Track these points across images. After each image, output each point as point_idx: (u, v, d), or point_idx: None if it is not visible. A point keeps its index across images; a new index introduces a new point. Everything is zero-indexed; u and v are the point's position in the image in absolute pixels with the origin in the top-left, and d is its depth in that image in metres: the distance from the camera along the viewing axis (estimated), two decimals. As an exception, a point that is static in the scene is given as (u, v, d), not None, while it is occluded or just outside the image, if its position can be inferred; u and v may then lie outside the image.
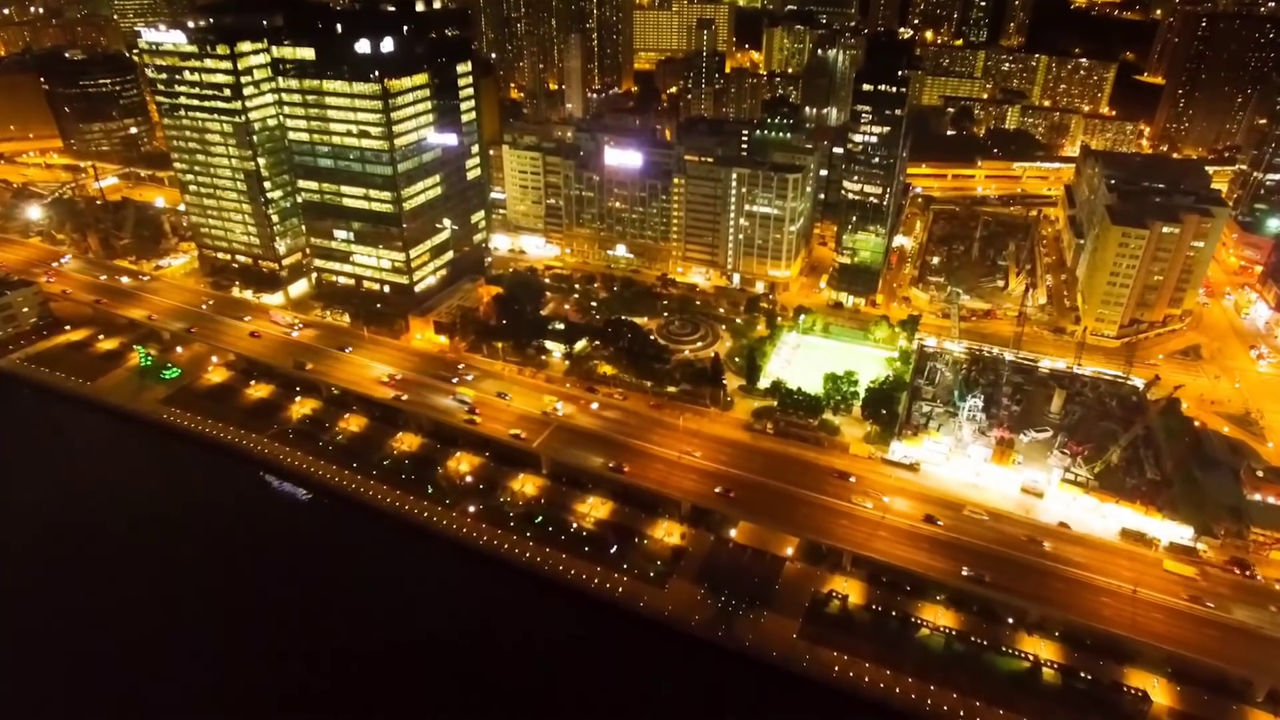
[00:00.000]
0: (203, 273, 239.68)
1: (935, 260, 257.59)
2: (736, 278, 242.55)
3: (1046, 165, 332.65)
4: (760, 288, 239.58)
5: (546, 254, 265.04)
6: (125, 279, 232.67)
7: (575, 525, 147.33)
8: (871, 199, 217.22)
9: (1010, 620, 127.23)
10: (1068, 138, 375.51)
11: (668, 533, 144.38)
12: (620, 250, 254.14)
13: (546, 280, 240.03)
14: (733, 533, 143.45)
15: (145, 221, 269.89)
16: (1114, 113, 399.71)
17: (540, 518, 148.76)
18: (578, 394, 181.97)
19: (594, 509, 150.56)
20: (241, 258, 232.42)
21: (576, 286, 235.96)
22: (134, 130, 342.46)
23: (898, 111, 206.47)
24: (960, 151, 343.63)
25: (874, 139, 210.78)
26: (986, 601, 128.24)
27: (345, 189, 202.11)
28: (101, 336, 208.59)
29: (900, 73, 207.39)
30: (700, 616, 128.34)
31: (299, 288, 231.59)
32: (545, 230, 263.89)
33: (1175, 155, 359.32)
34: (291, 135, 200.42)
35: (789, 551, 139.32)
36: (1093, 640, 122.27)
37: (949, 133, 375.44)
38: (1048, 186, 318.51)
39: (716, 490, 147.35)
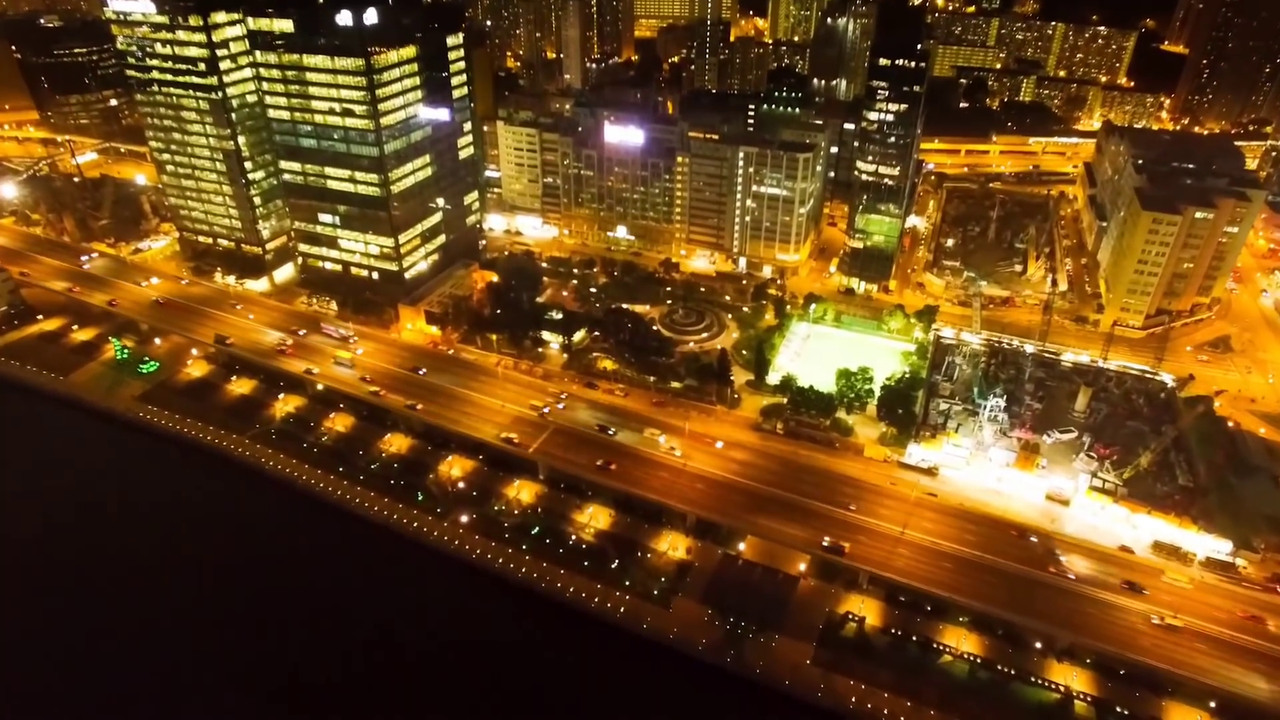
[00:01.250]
0: (184, 257, 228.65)
1: (950, 243, 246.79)
2: (743, 262, 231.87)
3: (1064, 140, 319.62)
4: (767, 272, 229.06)
5: (544, 235, 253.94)
6: (86, 260, 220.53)
7: (574, 537, 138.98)
8: (887, 180, 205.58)
9: (1038, 646, 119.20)
10: (1084, 110, 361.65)
11: (672, 546, 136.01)
12: (621, 232, 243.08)
13: (544, 264, 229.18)
14: (741, 546, 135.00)
15: (124, 200, 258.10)
16: (1132, 84, 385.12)
17: (537, 528, 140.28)
18: (574, 390, 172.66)
19: (594, 519, 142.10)
20: (224, 242, 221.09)
21: (575, 272, 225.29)
22: (114, 102, 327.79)
23: (916, 88, 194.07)
24: (974, 125, 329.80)
25: (890, 117, 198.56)
26: (1012, 625, 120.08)
27: (329, 171, 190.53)
28: (76, 327, 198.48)
29: (919, 46, 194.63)
30: (708, 640, 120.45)
31: (285, 273, 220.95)
32: (542, 210, 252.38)
33: (1198, 129, 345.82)
34: (271, 113, 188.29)
35: (801, 568, 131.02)
36: (1128, 670, 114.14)
37: (962, 105, 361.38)
38: (1068, 164, 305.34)
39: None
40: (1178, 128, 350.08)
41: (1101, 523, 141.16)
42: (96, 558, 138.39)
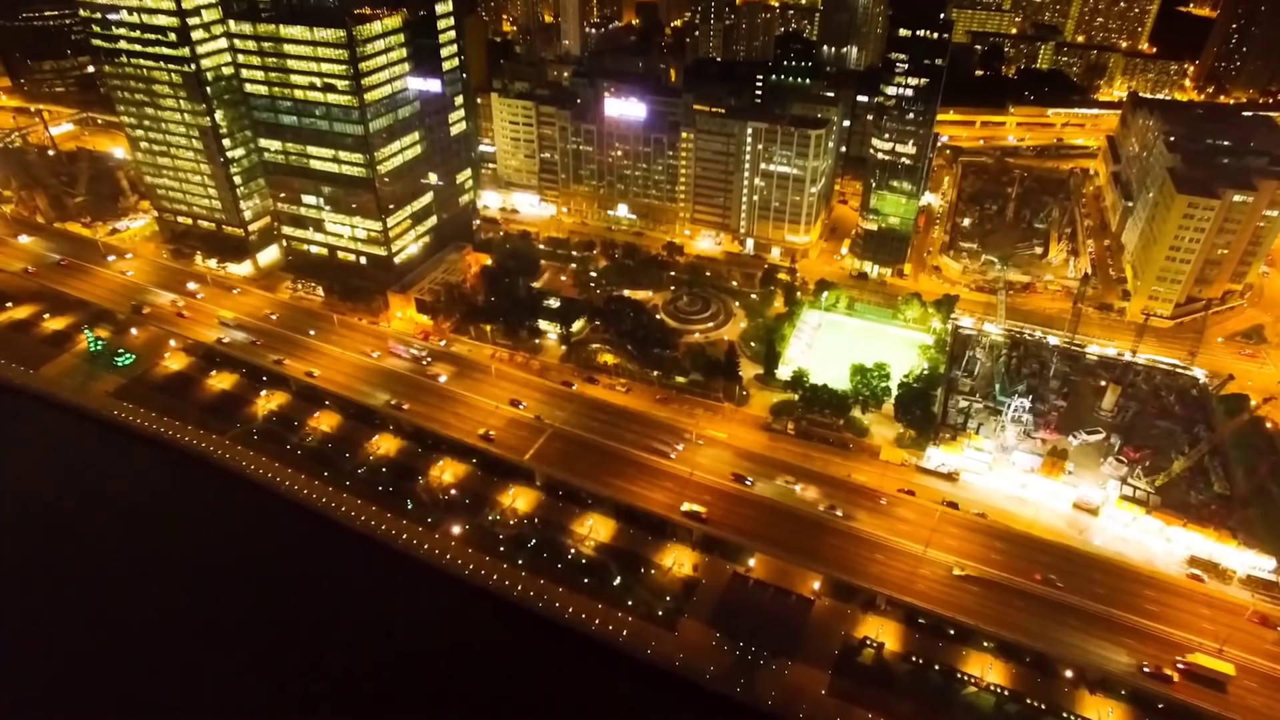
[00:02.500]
0: (162, 238, 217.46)
1: (966, 223, 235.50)
2: (750, 243, 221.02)
3: (1084, 112, 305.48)
4: (776, 254, 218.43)
5: (541, 213, 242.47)
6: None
7: (573, 550, 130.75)
8: (904, 159, 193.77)
9: (1069, 675, 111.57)
10: (1104, 79, 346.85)
11: (678, 562, 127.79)
12: (622, 210, 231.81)
13: (541, 246, 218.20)
14: (751, 562, 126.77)
15: (101, 176, 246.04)
16: (1155, 50, 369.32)
17: (534, 541, 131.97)
18: (568, 386, 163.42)
19: (594, 530, 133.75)
20: (204, 223, 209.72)
21: (574, 254, 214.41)
22: (91, 69, 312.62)
23: (938, 61, 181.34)
24: (990, 95, 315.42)
25: (909, 92, 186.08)
26: (1040, 653, 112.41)
27: (311, 150, 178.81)
28: (48, 315, 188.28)
29: (941, 16, 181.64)
30: (716, 667, 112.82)
31: (269, 255, 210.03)
32: (539, 187, 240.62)
33: (1224, 99, 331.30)
34: (249, 88, 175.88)
35: (815, 586, 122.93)
36: (1166, 705, 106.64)
37: (977, 73, 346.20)
38: (1089, 137, 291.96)
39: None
40: (1202, 97, 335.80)
41: (1132, 535, 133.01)
42: (67, 565, 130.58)
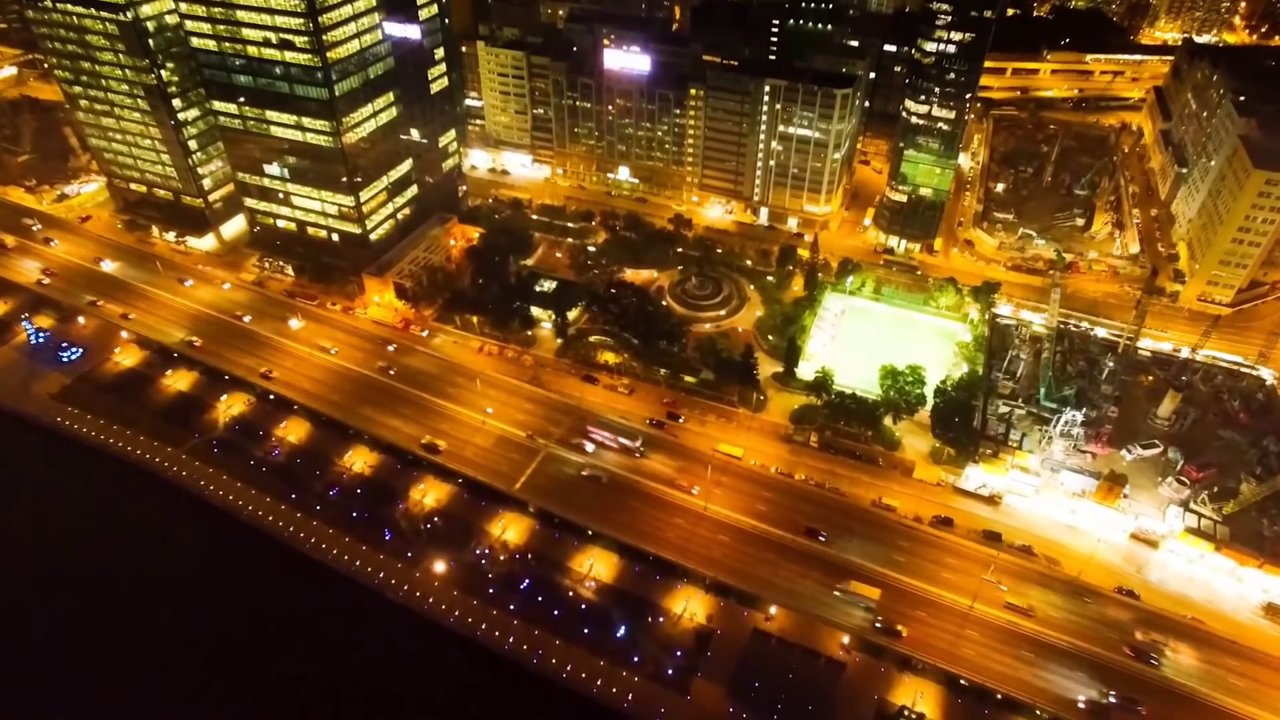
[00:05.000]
0: (115, 208, 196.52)
1: (1000, 188, 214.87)
2: (764, 213, 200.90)
3: (1127, 57, 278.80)
4: (792, 225, 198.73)
5: (534, 175, 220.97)
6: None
7: (572, 592, 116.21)
8: (941, 124, 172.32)
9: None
10: (1148, 19, 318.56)
11: (689, 611, 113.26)
12: (623, 174, 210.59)
13: (533, 216, 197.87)
14: (773, 610, 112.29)
15: (48, 130, 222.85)
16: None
17: (527, 582, 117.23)
18: (571, 386, 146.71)
19: (594, 568, 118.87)
20: (160, 191, 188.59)
21: (570, 226, 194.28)
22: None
23: (986, 13, 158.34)
24: (1022, 39, 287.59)
25: (950, 48, 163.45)
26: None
27: (271, 115, 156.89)
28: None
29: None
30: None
31: (234, 227, 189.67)
32: (532, 146, 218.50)
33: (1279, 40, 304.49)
34: (195, 42, 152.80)
35: (845, 640, 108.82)
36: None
37: (1008, 13, 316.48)
38: (1132, 88, 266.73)
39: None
40: (1254, 38, 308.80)
41: (1198, 573, 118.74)
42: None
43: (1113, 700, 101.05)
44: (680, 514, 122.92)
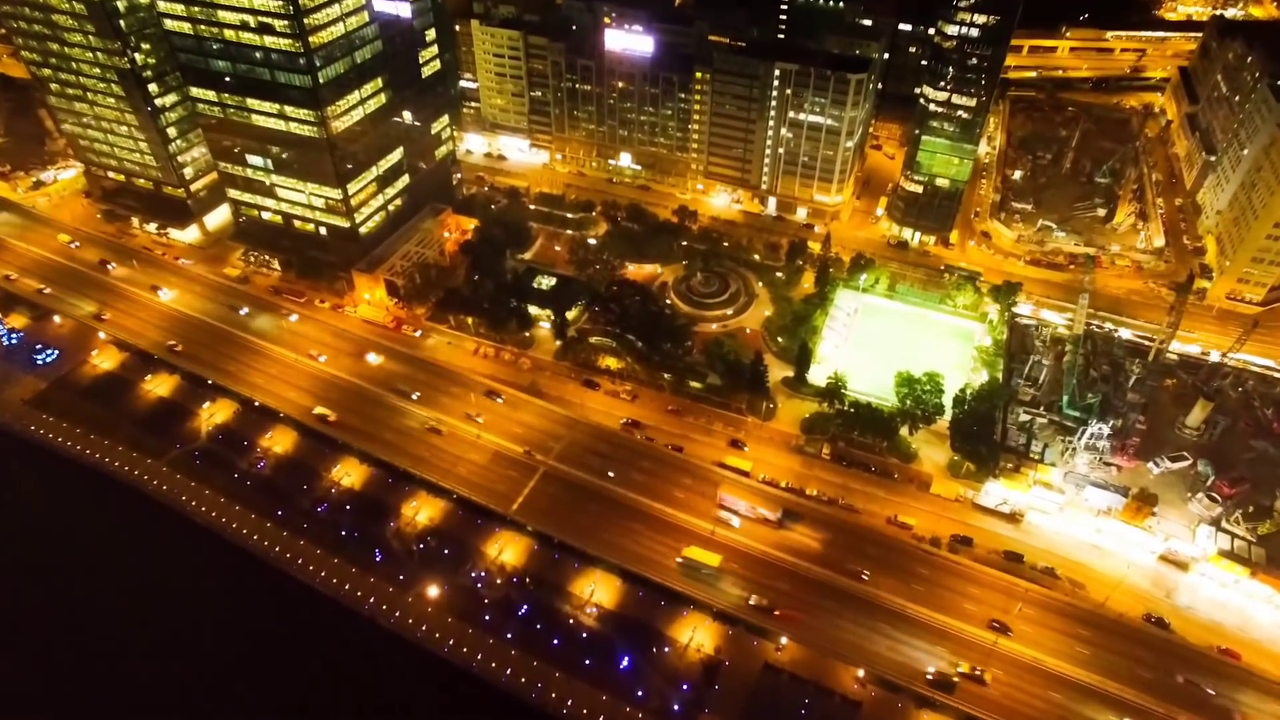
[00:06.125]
0: (94, 197, 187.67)
1: (1017, 175, 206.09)
2: (772, 203, 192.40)
3: (1150, 34, 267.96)
4: (801, 215, 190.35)
5: (531, 161, 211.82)
6: None
7: (572, 619, 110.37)
8: (961, 112, 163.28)
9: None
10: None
11: (696, 642, 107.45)
12: (625, 160, 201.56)
13: (531, 206, 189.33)
14: (784, 640, 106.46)
15: (23, 110, 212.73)
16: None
17: (525, 608, 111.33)
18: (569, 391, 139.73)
19: (595, 593, 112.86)
20: (140, 180, 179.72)
21: (570, 216, 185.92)
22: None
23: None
24: (1038, 13, 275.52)
25: (974, 31, 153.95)
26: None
27: (252, 103, 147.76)
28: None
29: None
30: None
31: (219, 217, 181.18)
32: (529, 131, 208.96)
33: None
34: (168, 24, 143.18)
35: (860, 674, 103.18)
36: None
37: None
38: (1156, 67, 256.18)
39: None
40: None
41: (1233, 599, 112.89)
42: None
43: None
44: (689, 538, 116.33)
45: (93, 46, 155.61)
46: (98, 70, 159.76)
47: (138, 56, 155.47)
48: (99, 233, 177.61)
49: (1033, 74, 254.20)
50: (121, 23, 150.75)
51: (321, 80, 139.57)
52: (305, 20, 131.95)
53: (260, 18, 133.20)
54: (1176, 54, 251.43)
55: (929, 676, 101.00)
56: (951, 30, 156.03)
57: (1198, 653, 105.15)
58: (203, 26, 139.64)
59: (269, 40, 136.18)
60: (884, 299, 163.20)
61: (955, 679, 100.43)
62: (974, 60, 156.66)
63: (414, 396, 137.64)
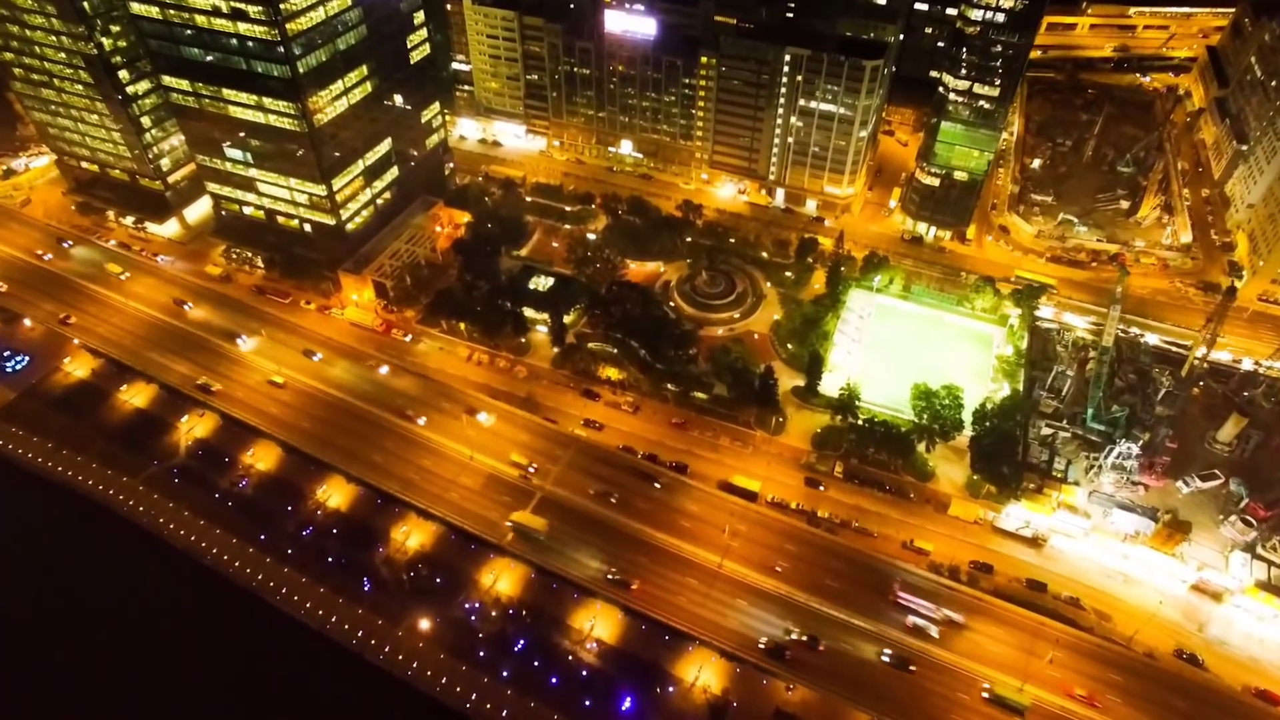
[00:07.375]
0: (67, 188, 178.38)
1: (1036, 164, 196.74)
2: (780, 194, 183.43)
3: (1176, 10, 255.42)
4: (811, 208, 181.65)
5: (528, 147, 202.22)
6: None
7: (571, 656, 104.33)
8: (984, 101, 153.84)
9: None
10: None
11: (702, 680, 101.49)
12: (626, 148, 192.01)
13: (527, 198, 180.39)
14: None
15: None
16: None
17: (522, 643, 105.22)
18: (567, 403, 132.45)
19: (595, 626, 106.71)
20: (114, 171, 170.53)
21: (567, 209, 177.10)
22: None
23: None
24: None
25: (1000, 16, 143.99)
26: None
27: (228, 93, 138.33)
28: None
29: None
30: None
31: (200, 209, 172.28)
32: (525, 116, 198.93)
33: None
34: (135, 8, 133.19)
35: None
36: None
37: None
38: (1181, 46, 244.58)
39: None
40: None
41: (1271, 634, 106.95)
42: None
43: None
44: (693, 571, 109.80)
45: (55, 30, 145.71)
46: (63, 55, 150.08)
47: (105, 41, 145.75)
48: (73, 226, 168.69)
49: (1051, 53, 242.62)
50: (85, 5, 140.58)
51: (301, 70, 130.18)
52: (281, 5, 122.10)
53: (232, 3, 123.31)
54: (1203, 31, 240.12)
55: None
56: (976, 15, 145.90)
57: (1234, 699, 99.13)
58: (171, 11, 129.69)
59: (243, 27, 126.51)
60: (898, 300, 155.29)
61: None
62: (999, 47, 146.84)
63: (409, 413, 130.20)
